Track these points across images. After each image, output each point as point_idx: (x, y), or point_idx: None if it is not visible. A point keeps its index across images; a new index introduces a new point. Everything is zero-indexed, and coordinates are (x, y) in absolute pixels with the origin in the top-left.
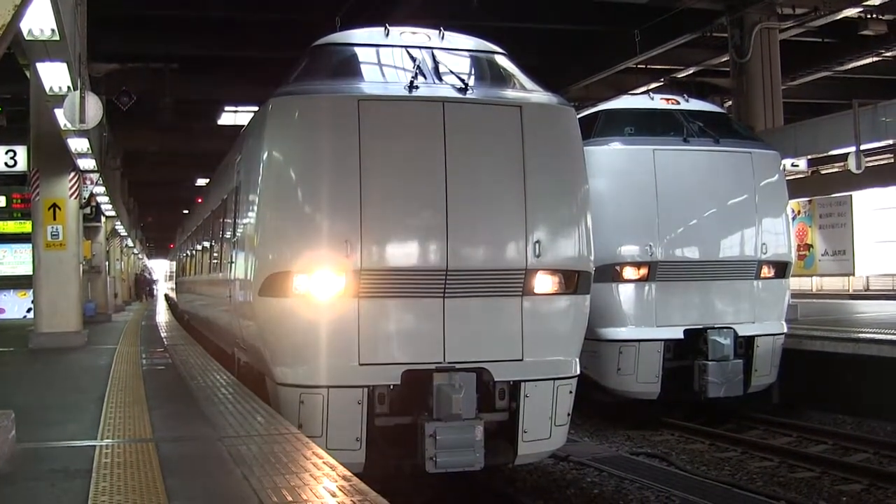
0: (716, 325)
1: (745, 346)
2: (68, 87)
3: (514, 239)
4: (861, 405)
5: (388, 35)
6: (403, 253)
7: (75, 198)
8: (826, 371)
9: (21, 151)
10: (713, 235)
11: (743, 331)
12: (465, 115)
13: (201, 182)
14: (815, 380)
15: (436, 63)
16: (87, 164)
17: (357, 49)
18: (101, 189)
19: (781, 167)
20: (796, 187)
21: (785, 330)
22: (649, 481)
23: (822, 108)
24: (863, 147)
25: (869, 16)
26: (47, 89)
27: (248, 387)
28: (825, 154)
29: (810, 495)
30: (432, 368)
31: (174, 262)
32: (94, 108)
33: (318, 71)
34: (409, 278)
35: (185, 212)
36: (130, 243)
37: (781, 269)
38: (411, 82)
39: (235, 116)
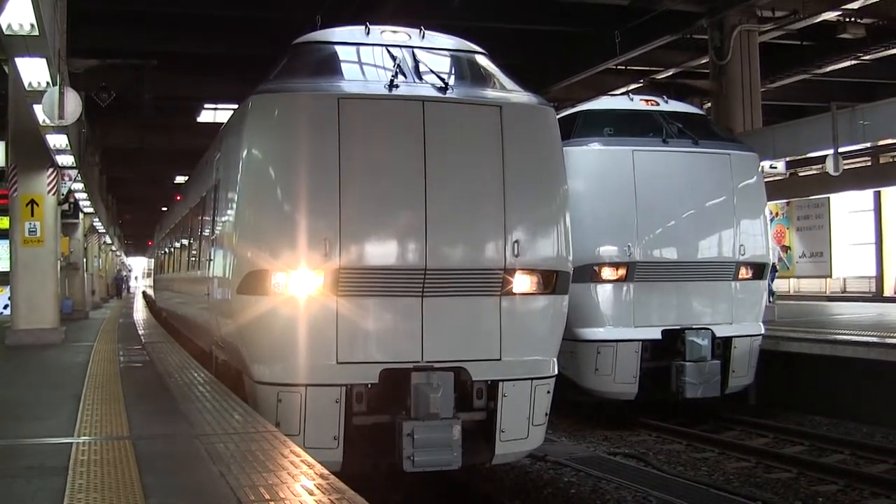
0: (693, 326)
1: (722, 346)
2: (47, 83)
3: (492, 238)
4: (837, 406)
5: (368, 34)
6: (382, 252)
7: (53, 194)
8: (803, 372)
9: None
10: (691, 236)
11: (720, 332)
12: (444, 114)
13: (180, 179)
14: (792, 381)
15: (416, 62)
16: (66, 160)
17: (337, 47)
18: (80, 185)
19: (760, 169)
20: (775, 189)
21: (762, 331)
22: (626, 481)
23: (801, 111)
24: (841, 150)
25: (848, 19)
26: (26, 85)
27: (226, 385)
28: (803, 156)
29: (787, 496)
30: (410, 367)
31: (152, 260)
32: (73, 104)
33: (299, 69)
34: (387, 277)
35: (164, 209)
36: (108, 240)
37: (759, 270)
38: (391, 81)
39: (215, 114)
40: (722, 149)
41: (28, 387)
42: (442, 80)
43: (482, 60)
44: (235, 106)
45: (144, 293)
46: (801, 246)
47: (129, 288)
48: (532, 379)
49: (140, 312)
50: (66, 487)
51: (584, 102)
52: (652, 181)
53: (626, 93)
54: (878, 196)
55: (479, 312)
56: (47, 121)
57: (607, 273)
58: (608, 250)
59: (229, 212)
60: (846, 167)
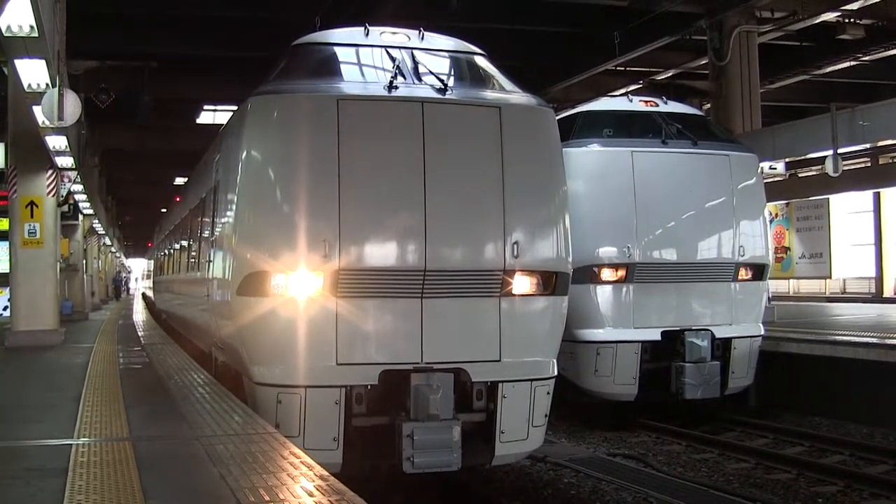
0: (693, 327)
1: (722, 347)
2: (47, 85)
3: (492, 240)
4: (837, 407)
5: (367, 35)
6: (382, 253)
7: (53, 195)
8: (803, 373)
9: None
10: (691, 237)
11: (720, 333)
12: (444, 115)
13: (180, 181)
14: (792, 382)
15: (415, 63)
16: (65, 161)
17: (337, 49)
18: (79, 187)
19: (759, 170)
20: (774, 190)
21: (762, 332)
22: (626, 482)
23: (801, 112)
24: (840, 150)
25: (847, 20)
26: (26, 86)
27: (226, 386)
28: (803, 157)
29: (787, 497)
30: (410, 369)
31: (152, 261)
32: (73, 106)
33: (298, 70)
34: (387, 278)
35: (164, 210)
36: (108, 242)
37: (759, 271)
38: (391, 82)
39: (214, 115)
40: (721, 150)
41: (28, 388)
42: (441, 81)
43: (481, 61)
44: (235, 107)
45: (144, 295)
46: (800, 247)
47: (128, 289)
48: (532, 380)
49: (140, 314)
50: (65, 489)
51: (583, 103)
52: (651, 182)
53: (626, 94)
54: (877, 197)
55: (479, 314)
56: (47, 122)
57: (607, 274)
58: (608, 251)
59: (229, 213)
60: (846, 168)
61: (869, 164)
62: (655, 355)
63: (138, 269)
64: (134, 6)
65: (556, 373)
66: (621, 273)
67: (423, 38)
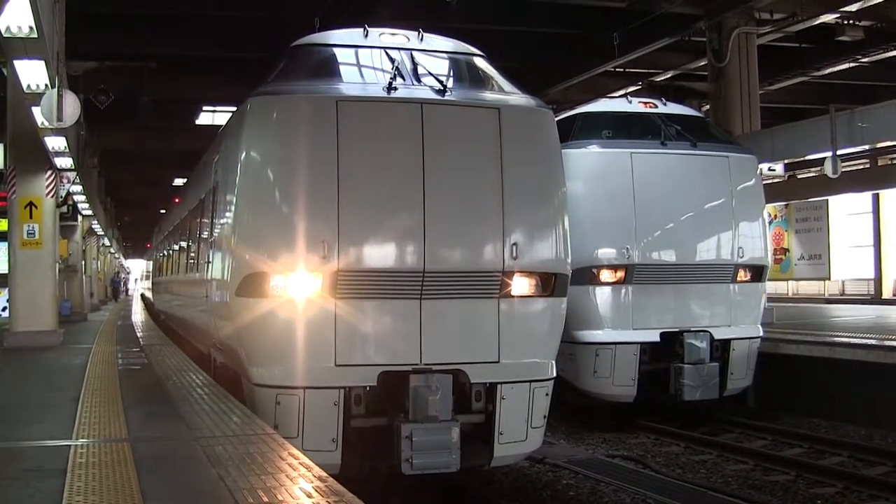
0: (692, 329)
1: (720, 349)
2: (46, 85)
3: (491, 241)
4: (836, 409)
5: (366, 36)
6: (381, 254)
7: (52, 196)
8: (802, 375)
9: None
10: (690, 239)
11: (719, 334)
12: (443, 116)
13: (179, 182)
14: (791, 383)
15: (414, 64)
16: (64, 162)
17: (336, 50)
18: (78, 188)
19: (758, 171)
20: (773, 191)
21: (761, 333)
22: (625, 483)
23: (800, 113)
24: (839, 152)
25: (846, 22)
26: (25, 87)
27: (225, 387)
28: (802, 159)
29: (785, 498)
30: (409, 370)
31: (151, 262)
32: (72, 107)
33: (297, 71)
34: (386, 280)
35: (163, 211)
36: (107, 242)
37: (758, 272)
38: (390, 83)
39: (213, 116)
40: (720, 151)
41: (26, 389)
42: (440, 82)
43: (480, 63)
44: (234, 108)
45: (143, 296)
46: (799, 248)
47: (127, 290)
48: (531, 381)
49: (138, 315)
50: (64, 490)
51: (582, 105)
52: (650, 183)
53: (625, 95)
54: (876, 198)
55: (478, 315)
56: (46, 123)
57: (606, 275)
58: (607, 253)
59: (228, 214)
60: (844, 169)
61: (868, 166)
62: (654, 356)
63: (137, 270)
64: (133, 6)
65: (554, 374)
66: (620, 274)
67: (422, 40)
